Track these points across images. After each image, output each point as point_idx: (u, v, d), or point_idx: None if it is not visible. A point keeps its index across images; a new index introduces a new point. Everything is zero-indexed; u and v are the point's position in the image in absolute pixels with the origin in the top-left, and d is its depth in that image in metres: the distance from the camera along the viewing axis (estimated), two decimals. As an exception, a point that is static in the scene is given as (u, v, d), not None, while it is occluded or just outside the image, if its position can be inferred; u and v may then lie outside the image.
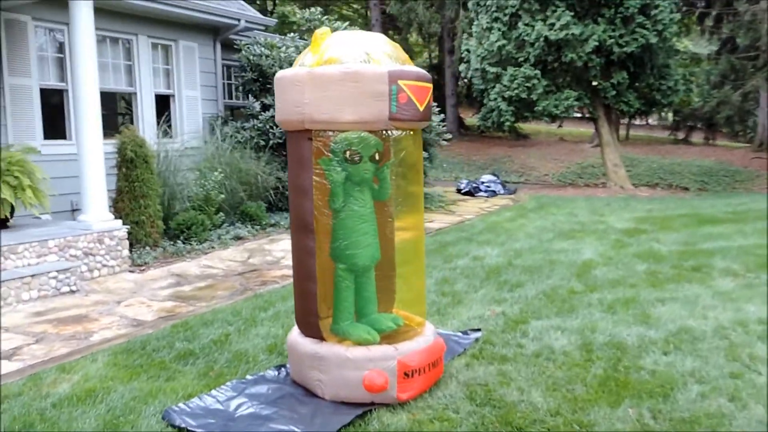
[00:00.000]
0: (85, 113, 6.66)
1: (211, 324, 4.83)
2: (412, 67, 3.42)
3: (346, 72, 3.22)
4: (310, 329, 3.59)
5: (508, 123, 14.26)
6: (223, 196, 8.63)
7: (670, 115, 27.52)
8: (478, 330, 4.56)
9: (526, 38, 13.59)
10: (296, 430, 3.11)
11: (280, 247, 8.01)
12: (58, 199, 7.46)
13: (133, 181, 7.48)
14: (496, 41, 13.87)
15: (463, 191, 14.11)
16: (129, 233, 7.40)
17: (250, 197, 9.51)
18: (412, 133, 3.62)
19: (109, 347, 4.36)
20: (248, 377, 3.76)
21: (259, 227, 8.99)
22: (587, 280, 6.07)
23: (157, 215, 7.65)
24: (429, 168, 11.41)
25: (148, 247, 7.47)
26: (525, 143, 23.54)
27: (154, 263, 7.12)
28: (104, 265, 6.66)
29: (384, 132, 3.52)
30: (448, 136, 12.37)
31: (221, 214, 8.70)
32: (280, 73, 3.48)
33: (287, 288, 5.84)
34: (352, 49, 3.34)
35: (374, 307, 3.77)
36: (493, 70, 14.11)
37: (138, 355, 4.16)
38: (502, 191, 14.20)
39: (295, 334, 3.73)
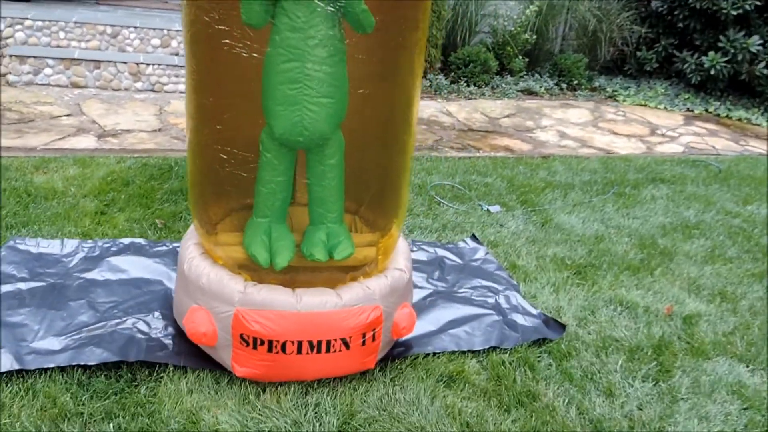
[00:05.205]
0: None
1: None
2: None
3: None
4: (195, 210, 2.29)
5: None
6: (530, 37, 6.85)
7: None
8: (563, 327, 2.44)
9: None
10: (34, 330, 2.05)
11: (553, 113, 6.06)
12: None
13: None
14: None
15: None
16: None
17: (579, 49, 7.46)
18: None
19: (160, 157, 3.76)
20: (166, 242, 2.72)
21: (566, 86, 7.00)
22: None
23: (432, 42, 6.52)
24: None
25: (409, 76, 6.50)
26: None
27: (398, 94, 6.16)
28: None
29: None
30: None
31: (525, 59, 7.01)
32: None
33: (448, 160, 4.27)
34: None
35: (330, 215, 2.17)
36: None
37: (159, 173, 3.45)
38: None
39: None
